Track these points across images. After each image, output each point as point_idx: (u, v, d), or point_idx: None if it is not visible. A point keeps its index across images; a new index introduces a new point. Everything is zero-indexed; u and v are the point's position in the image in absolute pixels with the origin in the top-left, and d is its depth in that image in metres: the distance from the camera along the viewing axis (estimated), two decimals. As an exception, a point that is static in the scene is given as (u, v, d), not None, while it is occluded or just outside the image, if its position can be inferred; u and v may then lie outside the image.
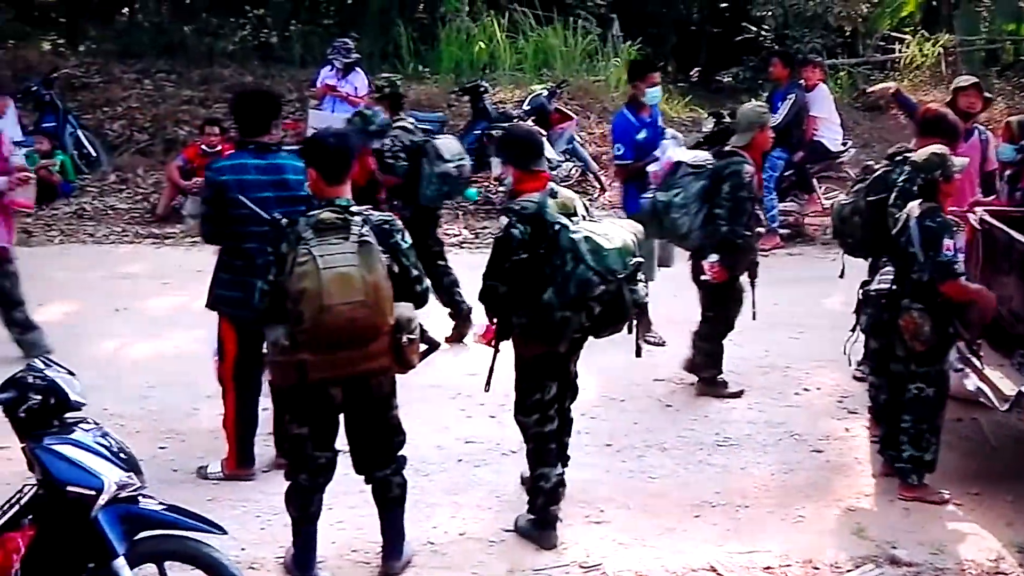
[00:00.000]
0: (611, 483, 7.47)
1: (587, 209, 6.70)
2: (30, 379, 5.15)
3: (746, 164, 8.53)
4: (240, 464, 7.52)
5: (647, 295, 6.72)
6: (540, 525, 6.77)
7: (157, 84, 18.51)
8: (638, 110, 10.12)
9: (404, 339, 5.77)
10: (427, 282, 6.12)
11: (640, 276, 6.50)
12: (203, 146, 14.52)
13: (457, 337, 9.88)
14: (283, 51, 20.06)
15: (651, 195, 9.04)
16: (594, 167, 15.56)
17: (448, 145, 9.94)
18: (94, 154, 16.09)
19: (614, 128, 10.51)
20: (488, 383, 6.73)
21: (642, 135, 9.98)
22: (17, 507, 5.15)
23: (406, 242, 5.94)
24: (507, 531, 6.81)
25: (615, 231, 6.46)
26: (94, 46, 20.87)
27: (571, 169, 15.15)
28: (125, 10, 23.19)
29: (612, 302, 6.34)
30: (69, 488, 4.99)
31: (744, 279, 8.86)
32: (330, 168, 5.98)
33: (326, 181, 5.97)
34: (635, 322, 6.69)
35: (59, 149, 15.42)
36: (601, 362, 8.87)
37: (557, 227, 6.30)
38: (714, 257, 8.51)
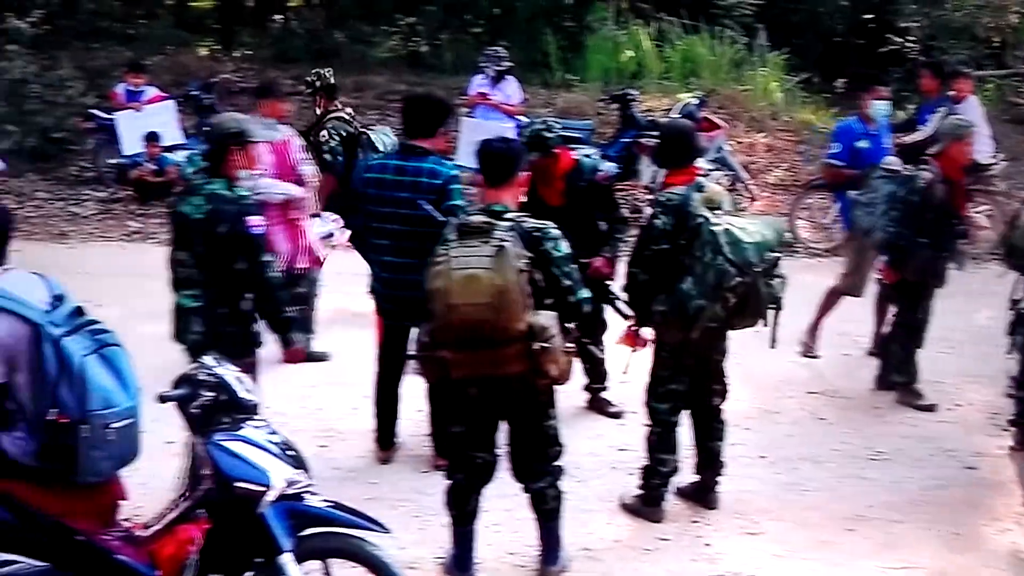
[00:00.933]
0: (765, 495, 7.48)
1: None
2: (201, 376, 5.26)
3: (926, 172, 8.57)
4: (376, 441, 7.88)
5: (784, 290, 6.78)
6: (648, 502, 7.11)
7: (313, 90, 18.77)
8: (866, 121, 10.36)
9: (537, 347, 5.69)
10: (584, 293, 6.00)
11: (778, 271, 6.66)
12: (358, 152, 14.69)
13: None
14: (433, 59, 20.29)
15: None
16: (744, 176, 15.42)
17: (383, 138, 9.90)
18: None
19: (835, 129, 10.94)
20: (627, 367, 7.19)
21: (862, 143, 10.21)
22: (190, 501, 5.24)
23: (559, 251, 5.88)
24: (662, 539, 6.86)
25: (755, 225, 6.63)
26: (249, 52, 21.36)
27: (721, 178, 14.99)
28: (278, 16, 23.65)
29: (747, 294, 6.52)
30: (237, 484, 5.04)
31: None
32: (487, 172, 6.07)
33: (485, 184, 6.09)
34: (774, 315, 6.76)
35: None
36: (755, 374, 8.91)
37: (699, 219, 6.50)
38: (883, 257, 8.75)
